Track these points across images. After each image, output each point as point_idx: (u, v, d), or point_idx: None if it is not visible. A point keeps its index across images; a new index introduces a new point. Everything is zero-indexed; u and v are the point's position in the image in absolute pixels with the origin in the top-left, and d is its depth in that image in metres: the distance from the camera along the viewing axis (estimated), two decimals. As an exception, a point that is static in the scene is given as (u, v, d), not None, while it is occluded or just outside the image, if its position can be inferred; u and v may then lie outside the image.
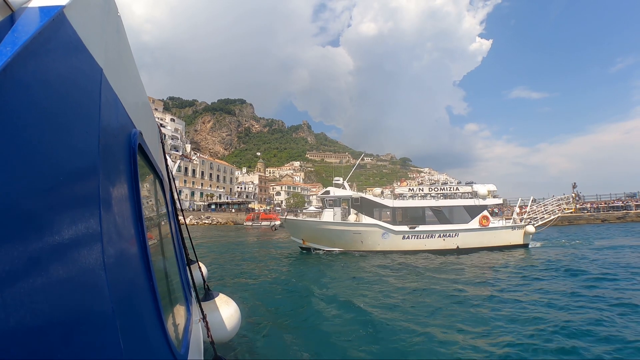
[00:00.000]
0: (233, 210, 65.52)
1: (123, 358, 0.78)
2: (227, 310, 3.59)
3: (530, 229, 18.30)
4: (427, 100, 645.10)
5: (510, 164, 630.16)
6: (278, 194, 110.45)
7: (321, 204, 19.93)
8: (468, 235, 17.69)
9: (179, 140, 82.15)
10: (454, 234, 17.60)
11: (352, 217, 17.41)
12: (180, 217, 3.68)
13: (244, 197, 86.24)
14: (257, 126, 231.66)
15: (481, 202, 18.21)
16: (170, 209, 2.70)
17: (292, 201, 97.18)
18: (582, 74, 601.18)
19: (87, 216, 0.71)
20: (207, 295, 3.68)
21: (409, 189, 19.80)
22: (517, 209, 20.88)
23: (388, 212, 17.76)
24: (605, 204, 49.69)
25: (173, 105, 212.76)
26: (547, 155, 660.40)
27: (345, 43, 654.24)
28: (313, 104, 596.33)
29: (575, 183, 55.50)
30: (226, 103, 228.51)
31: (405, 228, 17.37)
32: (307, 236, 17.96)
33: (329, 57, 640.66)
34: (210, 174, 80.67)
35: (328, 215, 17.51)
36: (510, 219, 19.70)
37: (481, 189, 18.72)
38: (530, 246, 18.54)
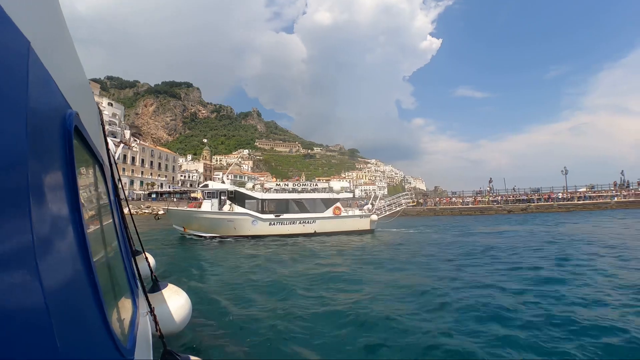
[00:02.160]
0: (175, 200, 64.38)
1: (60, 358, 0.73)
2: (176, 301, 3.55)
3: (374, 217, 22.86)
4: (378, 93, 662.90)
5: (453, 158, 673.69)
6: (224, 182, 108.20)
7: (201, 196, 22.56)
8: (323, 222, 21.67)
9: (117, 126, 78.09)
10: (311, 221, 21.41)
11: (226, 208, 19.77)
12: (124, 206, 3.63)
13: (188, 185, 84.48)
14: (204, 111, 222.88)
15: (335, 195, 22.55)
16: (112, 196, 2.59)
17: None
18: (521, 78, 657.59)
19: (14, 205, 0.65)
20: (155, 286, 3.61)
21: (276, 184, 24.87)
22: (370, 203, 25.12)
23: (257, 203, 20.53)
24: (513, 197, 56.12)
25: (111, 85, 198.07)
26: (487, 151, 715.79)
27: (300, 31, 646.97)
28: (264, 91, 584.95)
29: (491, 178, 63.16)
30: (171, 86, 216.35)
31: (271, 216, 20.66)
32: (188, 224, 20.10)
33: (283, 43, 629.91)
34: (152, 162, 77.63)
35: (206, 206, 19.88)
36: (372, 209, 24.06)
37: (335, 185, 24.03)
38: (375, 231, 22.96)
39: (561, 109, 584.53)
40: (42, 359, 0.68)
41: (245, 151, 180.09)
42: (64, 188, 1.04)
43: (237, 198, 20.05)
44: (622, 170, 55.37)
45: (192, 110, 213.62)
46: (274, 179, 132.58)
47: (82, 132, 1.40)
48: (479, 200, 56.98)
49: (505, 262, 10.67)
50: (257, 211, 20.38)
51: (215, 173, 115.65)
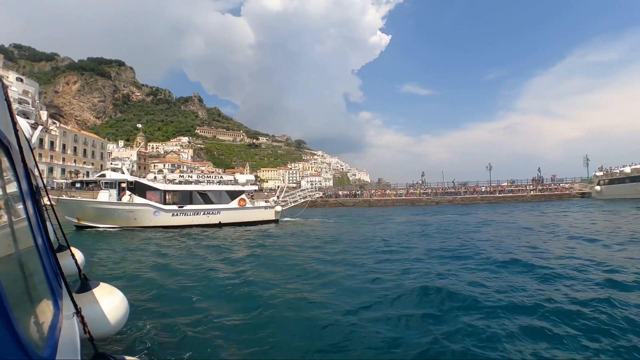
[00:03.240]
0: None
1: None
2: (110, 302, 3.30)
3: (278, 208, 24.05)
4: (327, 85, 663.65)
5: (397, 151, 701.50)
6: (160, 172, 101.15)
7: (98, 186, 22.11)
8: (228, 213, 22.26)
9: (31, 106, 67.53)
10: (216, 212, 21.87)
11: (126, 198, 19.60)
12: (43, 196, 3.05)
13: (165, 173, 76.78)
14: (138, 94, 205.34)
15: (240, 188, 23.41)
16: (25, 185, 2.23)
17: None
18: (463, 78, 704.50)
19: None
20: (84, 285, 3.33)
21: (180, 175, 25.06)
22: (275, 195, 26.68)
23: (159, 194, 20.55)
24: (442, 190, 60.21)
25: (21, 56, 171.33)
26: (428, 145, 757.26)
27: (248, 14, 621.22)
28: (208, 76, 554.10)
29: (423, 172, 68.22)
30: (99, 63, 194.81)
31: (174, 207, 20.75)
32: (83, 215, 19.38)
33: (229, 26, 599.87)
34: (75, 148, 68.69)
35: (103, 196, 19.54)
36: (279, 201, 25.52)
37: (241, 178, 25.14)
38: (280, 221, 24.22)
39: (497, 109, 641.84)
40: None
41: (185, 139, 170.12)
42: None
43: (138, 189, 20.01)
44: (539, 168, 62.69)
45: (125, 92, 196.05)
46: (216, 171, 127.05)
47: None
48: (411, 193, 60.06)
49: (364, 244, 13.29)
50: (160, 202, 20.33)
51: (152, 161, 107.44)
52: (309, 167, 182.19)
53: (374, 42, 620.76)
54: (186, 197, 21.24)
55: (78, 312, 2.25)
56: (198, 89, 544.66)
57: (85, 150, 71.97)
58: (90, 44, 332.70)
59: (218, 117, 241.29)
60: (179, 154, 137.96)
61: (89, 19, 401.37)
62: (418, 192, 59.94)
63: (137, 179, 20.63)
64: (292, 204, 26.36)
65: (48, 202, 4.72)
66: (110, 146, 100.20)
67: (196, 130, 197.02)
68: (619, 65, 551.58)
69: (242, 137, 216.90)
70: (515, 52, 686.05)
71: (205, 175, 25.49)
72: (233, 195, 22.66)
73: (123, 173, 21.17)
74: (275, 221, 23.85)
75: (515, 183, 61.09)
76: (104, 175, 20.55)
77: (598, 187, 49.02)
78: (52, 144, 63.19)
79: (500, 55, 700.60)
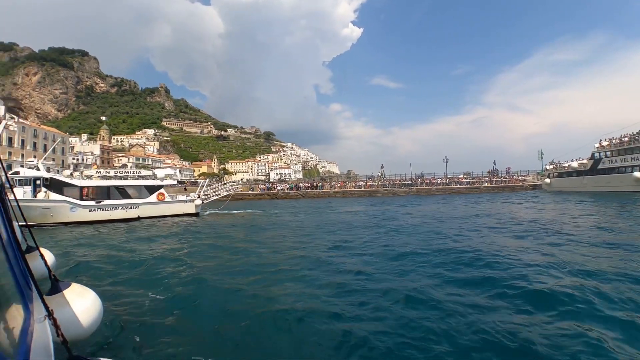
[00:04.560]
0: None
1: None
2: (82, 303, 3.27)
3: (198, 202, 25.15)
4: (297, 77, 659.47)
5: (367, 143, 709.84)
6: (124, 166, 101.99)
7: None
8: (147, 207, 23.12)
9: None
10: (134, 206, 22.65)
11: (41, 195, 19.67)
12: (9, 195, 3.06)
13: (81, 169, 78.85)
14: (102, 85, 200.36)
15: (159, 182, 24.20)
16: None
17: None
18: (431, 72, 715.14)
19: None
20: (54, 287, 3.30)
21: (97, 171, 25.79)
22: (200, 189, 27.87)
23: (77, 190, 21.05)
24: (400, 181, 63.23)
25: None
26: (397, 137, 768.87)
27: (217, 3, 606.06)
28: (175, 66, 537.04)
29: (383, 165, 72.40)
30: (61, 53, 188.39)
31: (92, 203, 21.32)
32: None
33: (198, 14, 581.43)
34: (35, 143, 69.84)
35: (18, 193, 19.03)
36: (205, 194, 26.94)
37: (160, 172, 26.05)
38: (200, 214, 25.32)
39: (465, 104, 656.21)
40: None
41: (151, 131, 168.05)
42: None
43: (54, 185, 20.05)
44: (494, 160, 67.56)
45: (88, 83, 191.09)
46: (182, 164, 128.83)
47: None
48: (370, 184, 62.85)
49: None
50: (77, 198, 20.79)
51: (116, 155, 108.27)
52: (278, 159, 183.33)
53: (346, 34, 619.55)
54: (104, 193, 21.93)
55: (50, 314, 2.20)
56: (165, 80, 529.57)
57: (45, 146, 72.55)
58: (51, 33, 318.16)
59: (185, 109, 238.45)
60: (144, 147, 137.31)
61: (49, 5, 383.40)
62: (377, 183, 62.38)
63: (53, 175, 20.64)
64: (215, 197, 27.79)
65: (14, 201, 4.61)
66: (73, 140, 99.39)
67: (162, 122, 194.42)
68: (582, 65, 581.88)
69: (210, 129, 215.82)
70: (483, 48, 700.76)
71: (124, 171, 26.37)
72: (151, 189, 23.48)
73: (39, 169, 20.74)
74: (196, 214, 24.95)
75: (472, 175, 63.97)
76: (17, 173, 20.33)
77: (548, 180, 51.80)
78: (10, 140, 64.65)
79: (467, 51, 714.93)
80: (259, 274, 7.75)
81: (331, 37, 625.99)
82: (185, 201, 24.98)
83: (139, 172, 26.03)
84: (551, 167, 53.99)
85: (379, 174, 70.12)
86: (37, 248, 4.53)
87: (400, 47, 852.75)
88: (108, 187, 22.25)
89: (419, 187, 58.16)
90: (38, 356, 1.78)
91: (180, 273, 8.12)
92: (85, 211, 20.99)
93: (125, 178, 24.01)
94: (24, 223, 4.29)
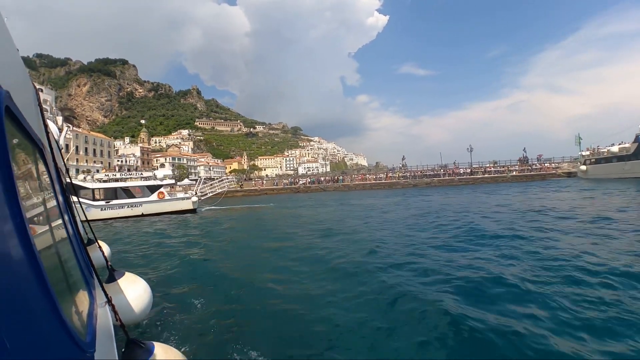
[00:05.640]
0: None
1: (11, 356, 0.69)
2: (134, 290, 3.51)
3: (194, 199, 26.95)
4: (322, 70, 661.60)
5: (395, 133, 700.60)
6: (162, 165, 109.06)
7: None
8: (149, 205, 25.47)
9: (49, 113, 79.23)
10: (138, 204, 25.12)
11: None
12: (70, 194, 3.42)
13: (125, 170, 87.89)
14: (141, 90, 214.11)
15: (159, 182, 26.52)
16: (56, 183, 2.40)
17: (176, 173, 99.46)
18: (463, 56, 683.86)
19: None
20: (111, 276, 3.56)
21: (105, 174, 27.65)
22: (197, 186, 29.95)
23: (89, 192, 23.77)
24: (421, 172, 62.01)
25: (41, 64, 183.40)
26: (426, 126, 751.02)
27: (243, 3, 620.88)
28: (206, 67, 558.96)
29: (404, 156, 70.74)
30: (105, 63, 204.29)
31: (102, 203, 23.88)
32: None
33: (225, 16, 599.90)
34: (86, 148, 78.99)
35: None
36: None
37: (159, 173, 28.97)
38: (197, 210, 27.11)
39: (500, 87, 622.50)
40: None
41: (185, 131, 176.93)
42: None
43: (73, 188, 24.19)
44: (524, 148, 61.37)
45: (129, 90, 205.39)
46: (214, 162, 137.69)
47: (15, 113, 1.32)
48: (390, 176, 62.85)
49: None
50: (90, 199, 23.35)
51: (155, 156, 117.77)
52: (305, 154, 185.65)
53: (371, 23, 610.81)
54: (112, 193, 24.36)
55: (109, 301, 2.37)
56: (197, 81, 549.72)
57: (94, 150, 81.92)
58: (96, 45, 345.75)
59: (216, 109, 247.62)
60: (179, 147, 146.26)
61: (92, 20, 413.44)
62: (397, 175, 61.92)
63: (71, 181, 26.27)
64: (211, 194, 29.85)
65: (76, 199, 4.97)
66: (117, 143, 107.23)
67: (196, 123, 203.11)
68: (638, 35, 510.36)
69: (239, 126, 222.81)
70: (520, 26, 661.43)
71: (129, 173, 28.90)
72: (152, 189, 25.79)
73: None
74: (193, 210, 26.51)
75: (499, 163, 60.76)
76: None
77: (583, 167, 47.02)
78: (67, 146, 75.09)
79: (503, 31, 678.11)
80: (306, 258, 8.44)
81: (356, 27, 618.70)
82: (183, 199, 27.09)
83: (141, 174, 28.54)
84: (587, 152, 48.34)
85: (401, 165, 70.29)
86: (96, 241, 5.04)
87: (428, 32, 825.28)
88: (115, 189, 24.89)
89: (440, 178, 56.30)
90: (103, 338, 1.90)
91: (206, 260, 9.02)
92: (97, 210, 23.53)
93: (129, 179, 26.53)
94: (84, 219, 4.92)
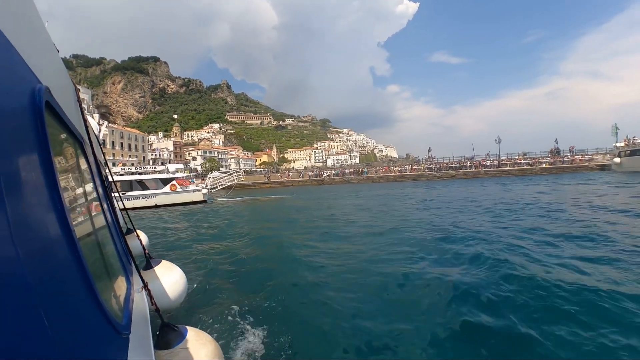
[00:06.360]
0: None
1: (50, 334, 0.72)
2: (170, 277, 3.62)
3: (205, 191, 28.40)
4: (351, 61, 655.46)
5: (427, 124, 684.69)
6: (194, 159, 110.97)
7: None
8: (162, 196, 26.80)
9: (87, 111, 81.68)
10: (152, 196, 26.45)
11: None
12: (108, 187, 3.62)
13: (159, 164, 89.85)
14: (172, 86, 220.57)
15: (171, 175, 28.03)
16: (96, 176, 2.52)
17: (207, 166, 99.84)
18: (498, 43, 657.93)
19: None
20: (148, 264, 3.69)
21: (122, 168, 29.70)
22: (208, 179, 32.27)
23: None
24: (447, 164, 59.37)
25: (78, 64, 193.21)
26: (460, 116, 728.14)
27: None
28: (235, 61, 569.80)
29: (430, 147, 68.12)
30: (138, 61, 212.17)
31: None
32: None
33: (253, 10, 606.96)
34: (122, 143, 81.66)
35: None
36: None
37: (171, 167, 30.44)
38: (208, 201, 28.50)
39: (538, 74, 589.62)
40: (34, 340, 0.68)
41: (216, 125, 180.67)
42: (39, 168, 1.00)
43: None
44: (556, 139, 57.57)
45: (161, 86, 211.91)
46: (244, 154, 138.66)
47: (56, 109, 1.36)
48: (415, 168, 61.20)
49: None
50: None
51: (187, 149, 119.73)
52: (334, 146, 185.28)
53: (401, 11, 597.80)
54: (127, 186, 25.50)
55: (145, 286, 2.50)
56: (227, 76, 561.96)
57: (129, 145, 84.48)
58: (129, 44, 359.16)
59: (246, 102, 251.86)
60: (211, 141, 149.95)
61: (128, 21, 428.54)
62: (422, 167, 60.41)
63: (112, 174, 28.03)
64: (221, 187, 31.65)
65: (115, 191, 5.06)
66: (151, 138, 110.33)
67: (226, 117, 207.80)
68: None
69: (269, 120, 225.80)
70: (560, 8, 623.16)
71: (143, 167, 30.86)
72: (165, 181, 27.14)
73: None
74: (204, 202, 27.99)
75: (529, 155, 58.21)
76: None
77: (617, 159, 43.97)
78: (104, 142, 77.07)
79: (541, 14, 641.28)
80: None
81: (385, 15, 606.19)
82: (193, 191, 28.34)
83: (154, 168, 30.52)
84: (622, 144, 45.53)
85: (426, 157, 68.46)
86: (135, 230, 5.25)
87: (461, 18, 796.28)
88: (131, 181, 26.18)
89: (466, 170, 54.24)
90: (138, 320, 1.98)
91: (232, 247, 9.20)
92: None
93: (144, 173, 28.11)
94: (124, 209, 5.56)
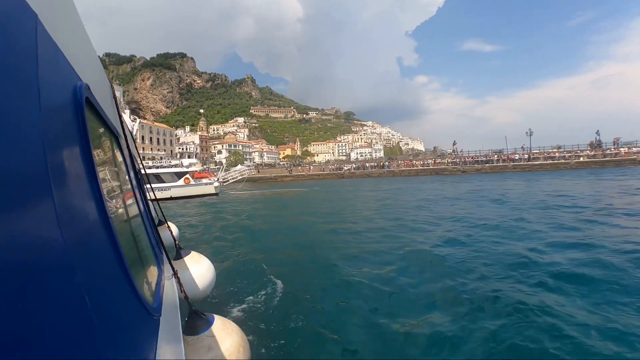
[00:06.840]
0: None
1: (90, 312, 0.78)
2: (199, 267, 3.72)
3: (216, 184, 30.03)
4: (376, 52, 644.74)
5: (456, 116, 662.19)
6: (219, 152, 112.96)
7: None
8: (176, 189, 28.28)
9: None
10: (167, 189, 27.71)
11: None
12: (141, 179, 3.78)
13: (186, 157, 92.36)
14: (199, 81, 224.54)
15: (185, 169, 29.57)
16: (131, 169, 2.65)
17: (232, 159, 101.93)
18: (538, 29, 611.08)
19: (36, 181, 0.67)
20: (178, 254, 3.82)
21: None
22: (220, 173, 34.03)
23: None
24: (472, 158, 58.03)
25: (110, 62, 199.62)
26: (492, 107, 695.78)
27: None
28: (259, 55, 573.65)
29: (455, 141, 68.61)
30: (166, 58, 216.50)
31: None
32: None
33: (276, 2, 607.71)
34: (151, 138, 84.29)
35: None
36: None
37: (185, 161, 32.08)
38: (219, 194, 29.92)
39: (585, 61, 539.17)
40: (73, 318, 0.72)
41: (241, 119, 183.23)
42: (80, 160, 1.06)
43: None
44: (597, 130, 54.16)
45: (188, 81, 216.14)
46: (268, 148, 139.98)
47: (94, 104, 1.44)
48: (439, 162, 59.52)
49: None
50: None
51: (213, 143, 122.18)
52: (358, 139, 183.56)
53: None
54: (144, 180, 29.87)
55: (175, 274, 2.57)
56: (251, 70, 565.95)
57: (158, 139, 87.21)
58: (158, 41, 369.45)
59: (270, 96, 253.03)
60: (236, 134, 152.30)
61: (155, 20, 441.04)
62: (446, 161, 59.29)
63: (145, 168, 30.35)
64: (232, 180, 34.03)
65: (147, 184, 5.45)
66: (179, 132, 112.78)
67: (251, 110, 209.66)
68: None
69: (292, 113, 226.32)
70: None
71: (158, 161, 33.44)
72: (179, 175, 28.65)
73: None
74: (216, 194, 29.43)
75: (564, 148, 54.81)
76: None
77: None
78: (136, 136, 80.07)
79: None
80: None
81: (412, 3, 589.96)
82: (206, 184, 29.79)
83: (169, 162, 32.45)
84: None
85: (451, 150, 67.95)
86: (166, 222, 5.43)
87: (496, 3, 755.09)
88: (147, 175, 29.39)
89: (492, 165, 52.09)
90: (168, 305, 2.07)
91: (256, 240, 9.45)
92: None
93: (159, 167, 29.72)
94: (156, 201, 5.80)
